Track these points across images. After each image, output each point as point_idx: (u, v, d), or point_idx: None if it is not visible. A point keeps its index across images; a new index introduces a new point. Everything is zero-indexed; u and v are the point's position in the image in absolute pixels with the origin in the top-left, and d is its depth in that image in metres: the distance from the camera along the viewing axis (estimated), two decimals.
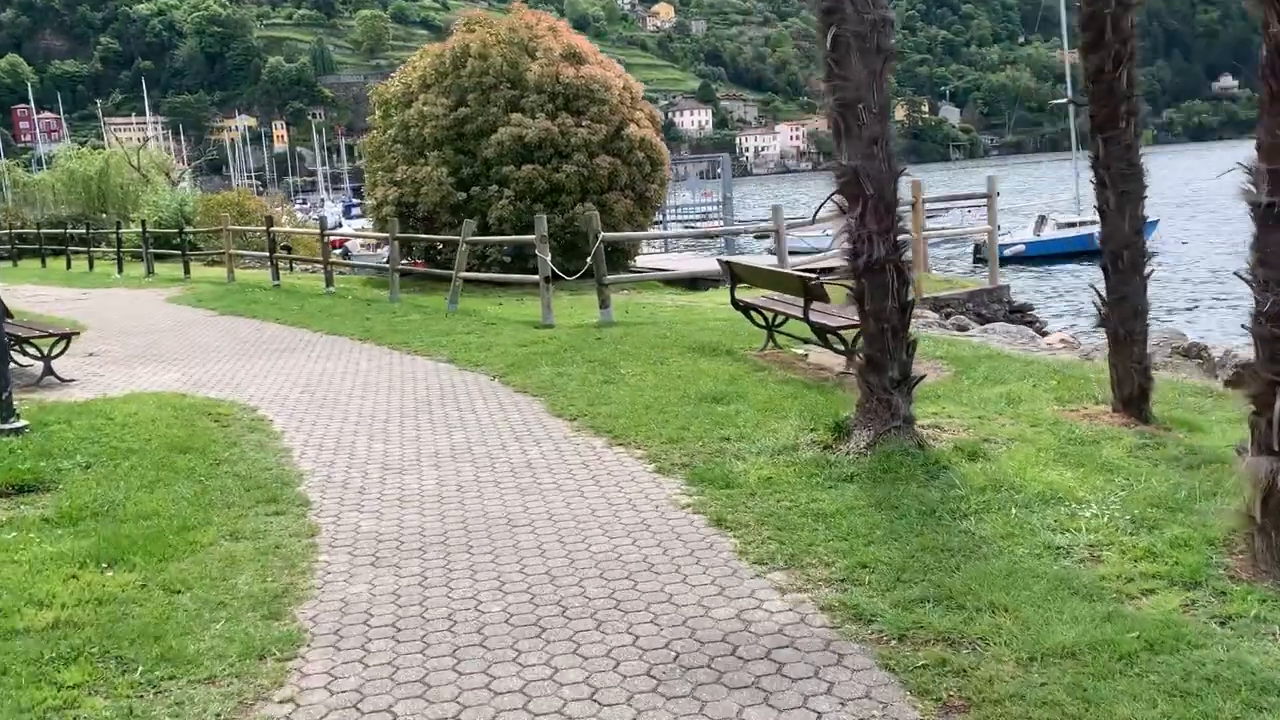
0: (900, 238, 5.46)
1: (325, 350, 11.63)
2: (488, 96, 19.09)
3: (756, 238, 38.82)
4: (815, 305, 7.93)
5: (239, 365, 10.86)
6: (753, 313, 9.64)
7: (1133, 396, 6.17)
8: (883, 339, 5.56)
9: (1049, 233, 34.20)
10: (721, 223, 32.67)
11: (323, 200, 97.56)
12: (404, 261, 18.00)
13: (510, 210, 18.60)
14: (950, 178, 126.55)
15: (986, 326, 12.25)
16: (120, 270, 26.81)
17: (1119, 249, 6.03)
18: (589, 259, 12.17)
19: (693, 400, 7.42)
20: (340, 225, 60.43)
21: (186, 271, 23.74)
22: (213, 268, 24.69)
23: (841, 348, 7.97)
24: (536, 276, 14.00)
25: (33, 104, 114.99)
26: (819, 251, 23.86)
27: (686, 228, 31.42)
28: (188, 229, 25.60)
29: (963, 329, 12.11)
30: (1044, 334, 12.27)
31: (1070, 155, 36.79)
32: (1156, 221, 37.06)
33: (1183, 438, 5.88)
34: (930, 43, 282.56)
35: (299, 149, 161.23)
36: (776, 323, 9.56)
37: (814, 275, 8.56)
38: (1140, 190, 6.00)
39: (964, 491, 4.90)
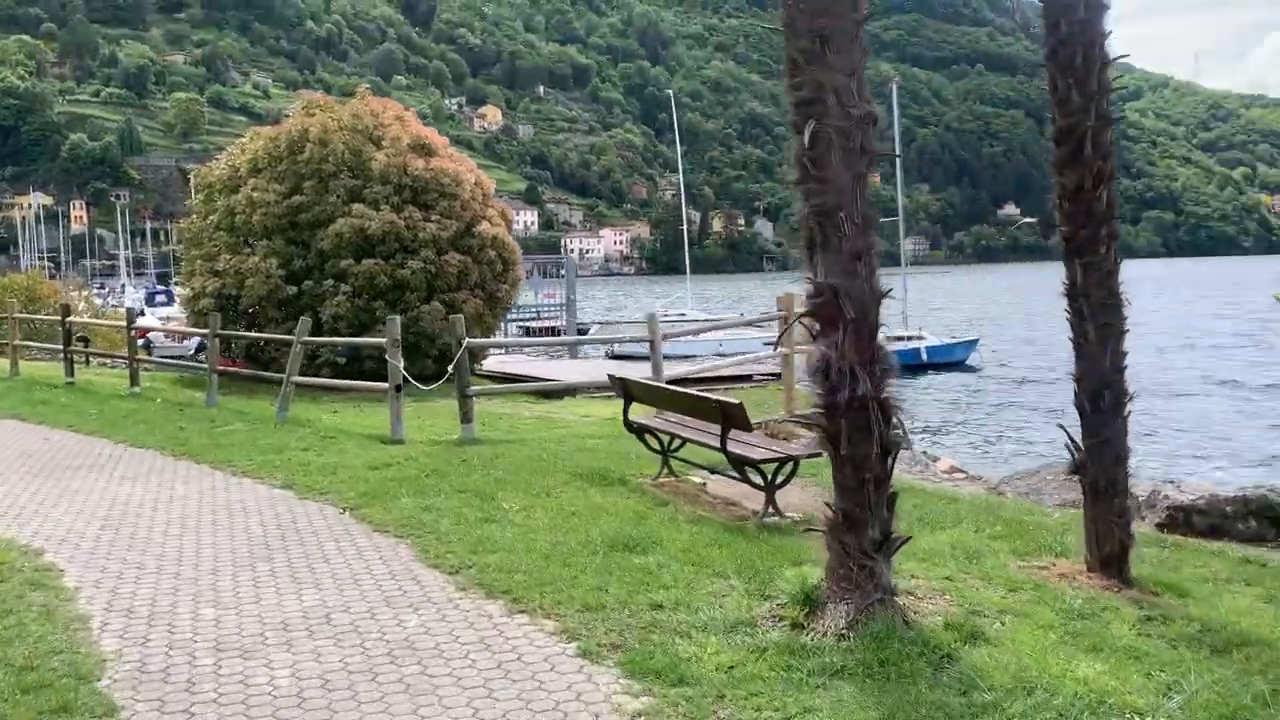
0: (880, 370, 4.56)
1: (131, 468, 9.78)
2: (326, 185, 17.69)
3: (606, 352, 38.21)
4: (734, 434, 6.97)
5: (19, 488, 8.91)
6: (648, 436, 8.60)
7: (1113, 555, 5.44)
8: (862, 492, 4.61)
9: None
10: (563, 324, 31.87)
11: (123, 285, 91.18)
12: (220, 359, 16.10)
13: (348, 307, 17.10)
14: (766, 288, 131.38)
15: None
16: None
17: (1099, 387, 5.36)
18: (451, 366, 10.87)
19: (600, 547, 6.25)
20: (143, 313, 56.33)
21: None
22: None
23: (761, 482, 7.01)
24: (378, 384, 12.58)
25: None
26: (692, 357, 23.30)
27: (532, 331, 30.53)
28: None
29: None
30: (934, 459, 11.76)
31: (899, 270, 38.18)
32: (977, 340, 38.82)
33: (1177, 605, 5.17)
34: (745, 160, 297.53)
35: (99, 231, 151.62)
36: (673, 447, 8.55)
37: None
38: (1121, 322, 5.38)
39: (989, 696, 3.92)
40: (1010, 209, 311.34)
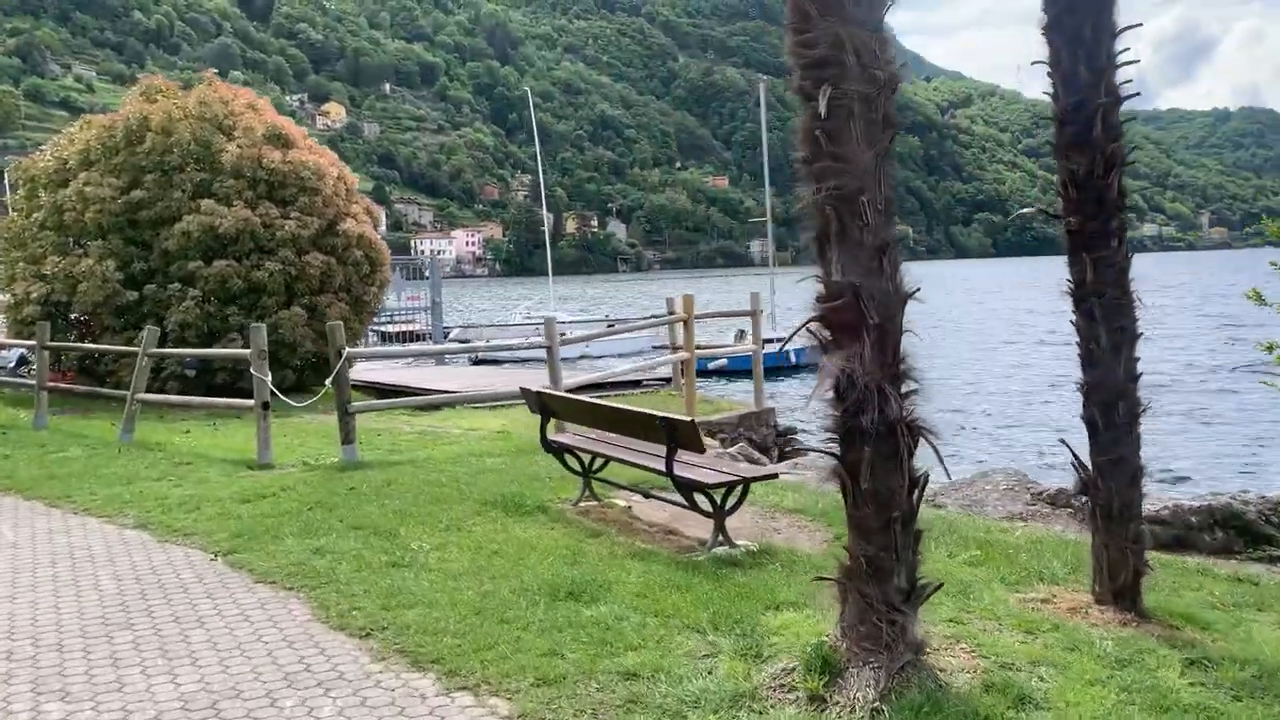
0: (907, 387, 3.82)
1: None
2: (170, 179, 15.95)
3: (470, 358, 36.76)
4: (682, 455, 6.14)
5: None
6: (568, 455, 7.68)
7: (1126, 586, 4.88)
8: (888, 533, 3.85)
9: (749, 347, 34.94)
10: (427, 329, 30.36)
11: None
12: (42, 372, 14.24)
13: (197, 314, 15.44)
14: (625, 289, 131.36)
15: (793, 461, 11.04)
16: None
17: (1112, 398, 4.79)
18: (329, 380, 9.64)
19: (539, 596, 5.31)
20: None
21: None
22: None
23: (709, 508, 6.21)
24: (240, 400, 11.24)
25: None
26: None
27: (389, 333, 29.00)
28: None
29: (755, 463, 10.80)
30: None
31: (765, 270, 38.20)
32: None
33: (1206, 641, 4.63)
34: (598, 162, 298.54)
35: None
36: (595, 468, 7.67)
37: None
38: (1135, 326, 4.82)
39: None
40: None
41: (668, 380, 17.19)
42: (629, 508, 7.61)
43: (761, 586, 5.39)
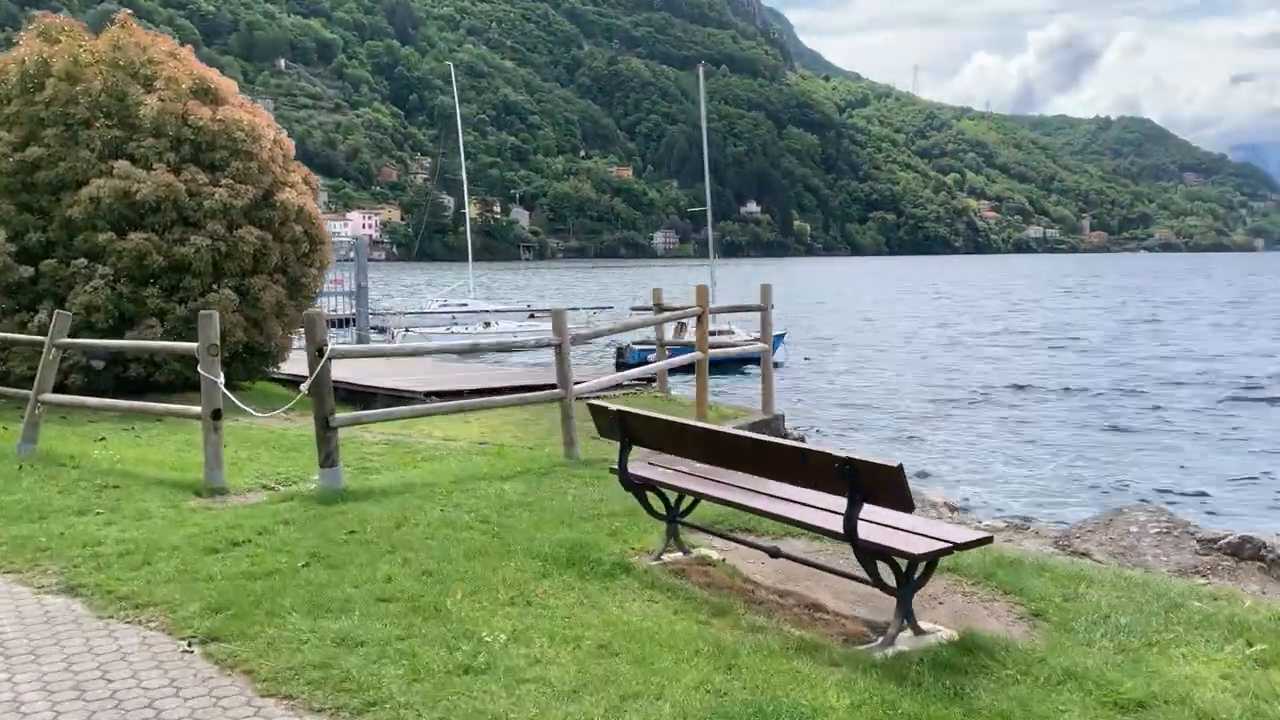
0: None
1: None
2: (76, 135, 13.50)
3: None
4: (872, 511, 4.46)
5: None
6: (649, 494, 5.93)
7: None
8: None
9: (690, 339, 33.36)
10: (354, 315, 27.88)
11: None
12: None
13: (107, 295, 13.09)
14: (535, 278, 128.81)
15: None
16: None
17: None
18: (304, 386, 7.61)
19: None
20: None
21: None
22: None
23: (893, 582, 4.55)
24: (184, 406, 9.16)
25: None
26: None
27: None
28: None
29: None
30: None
31: (707, 262, 36.84)
32: (784, 334, 38.10)
33: None
34: (501, 146, 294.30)
35: None
36: (683, 507, 5.94)
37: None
38: None
39: None
40: (752, 206, 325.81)
41: (649, 381, 15.49)
42: (722, 559, 5.92)
43: (1014, 711, 3.76)
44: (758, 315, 13.47)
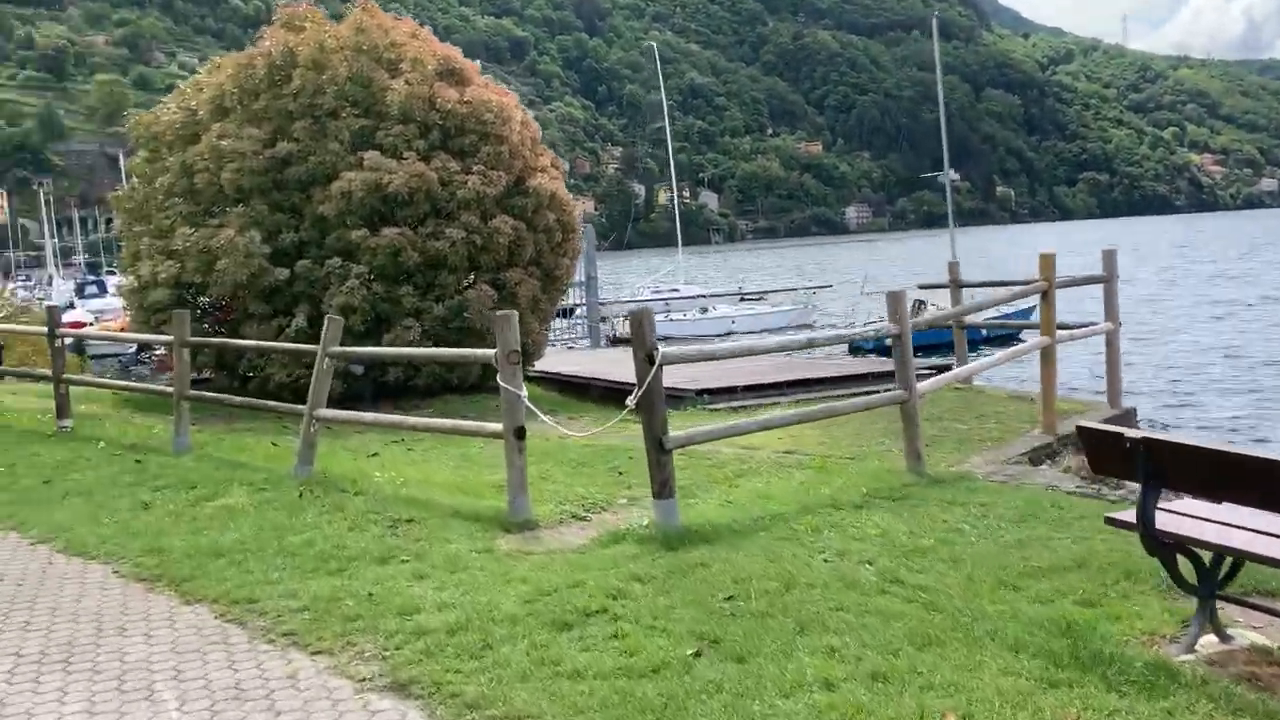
0: None
1: (65, 631, 4.99)
2: (324, 127, 12.79)
3: (608, 336, 33.41)
4: None
5: None
6: (1180, 553, 4.05)
7: None
8: None
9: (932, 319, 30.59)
10: (580, 304, 26.98)
11: (51, 277, 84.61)
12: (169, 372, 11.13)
13: (363, 296, 12.28)
14: (732, 260, 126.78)
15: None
16: None
17: None
18: (631, 400, 6.14)
19: None
20: (71, 305, 50.69)
21: None
22: None
23: None
24: (485, 424, 7.98)
25: None
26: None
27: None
28: None
29: None
30: None
31: (945, 230, 34.03)
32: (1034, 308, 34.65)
33: None
34: (688, 131, 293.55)
35: (22, 221, 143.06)
36: (1221, 574, 4.05)
37: None
38: None
39: None
40: (952, 174, 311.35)
41: (939, 370, 13.43)
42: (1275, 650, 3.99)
43: None
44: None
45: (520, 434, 6.62)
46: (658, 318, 37.32)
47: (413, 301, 12.46)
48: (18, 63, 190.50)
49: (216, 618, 4.99)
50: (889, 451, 9.04)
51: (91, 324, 38.11)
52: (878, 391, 10.06)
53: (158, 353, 29.56)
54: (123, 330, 35.28)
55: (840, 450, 9.27)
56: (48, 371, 12.00)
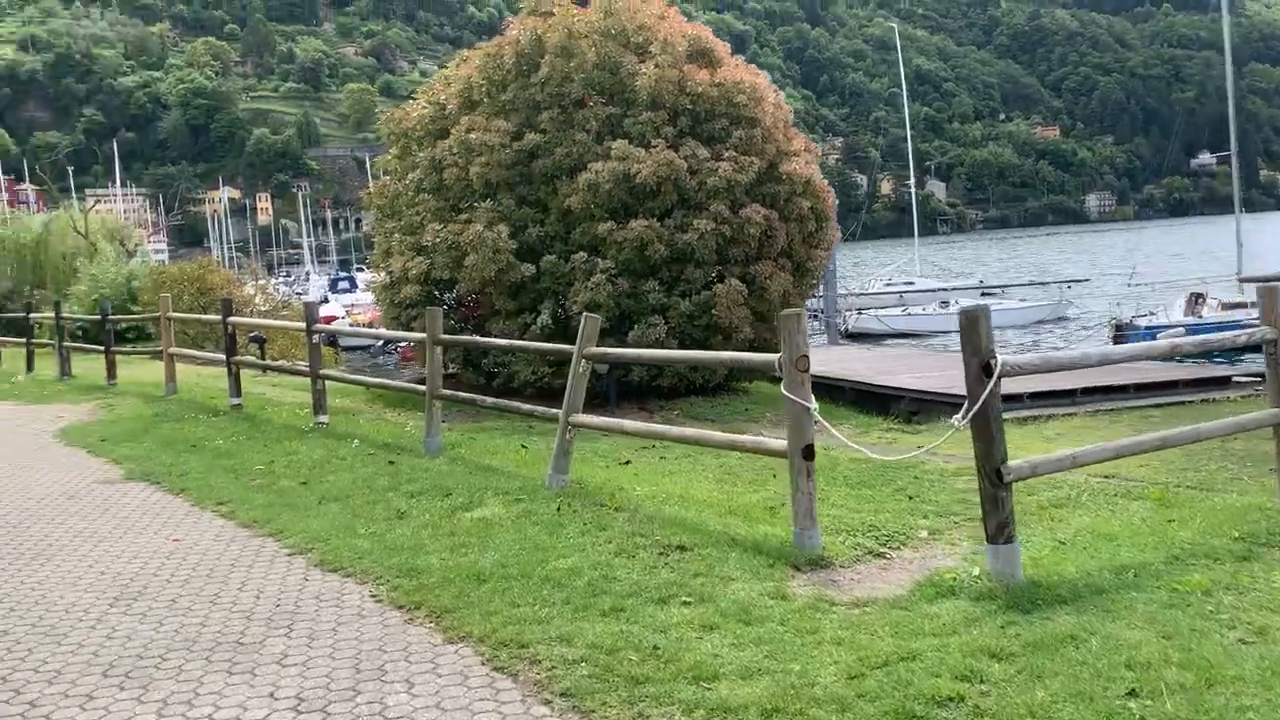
0: None
1: (324, 661, 4.48)
2: (571, 117, 12.31)
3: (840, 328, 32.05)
4: None
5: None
6: None
7: None
8: None
9: (1212, 315, 27.35)
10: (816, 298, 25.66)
11: (308, 273, 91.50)
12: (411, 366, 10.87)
13: (608, 292, 11.70)
14: (969, 250, 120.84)
15: None
16: (30, 369, 19.73)
17: None
18: (961, 418, 5.09)
19: None
20: (326, 300, 54.18)
21: (111, 376, 16.63)
22: (157, 362, 17.51)
23: None
24: (770, 441, 7.11)
25: (13, 175, 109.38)
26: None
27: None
28: (116, 315, 18.63)
29: None
30: None
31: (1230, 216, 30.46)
32: None
33: None
34: (914, 119, 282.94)
35: (284, 221, 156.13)
36: None
37: None
38: None
39: None
40: (1205, 157, 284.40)
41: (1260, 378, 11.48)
42: None
43: None
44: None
45: (809, 454, 5.68)
46: (892, 312, 35.46)
47: (658, 297, 11.79)
48: (280, 76, 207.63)
49: (483, 663, 4.33)
50: (1237, 479, 7.50)
51: (344, 318, 40.37)
52: (1205, 400, 8.45)
53: (401, 344, 30.74)
54: (373, 323, 37.05)
55: (1171, 475, 7.80)
56: (305, 366, 12.15)
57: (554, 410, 7.87)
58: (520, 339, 12.04)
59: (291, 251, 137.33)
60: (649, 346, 11.20)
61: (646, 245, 11.58)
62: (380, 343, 36.52)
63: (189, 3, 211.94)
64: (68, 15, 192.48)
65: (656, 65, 11.98)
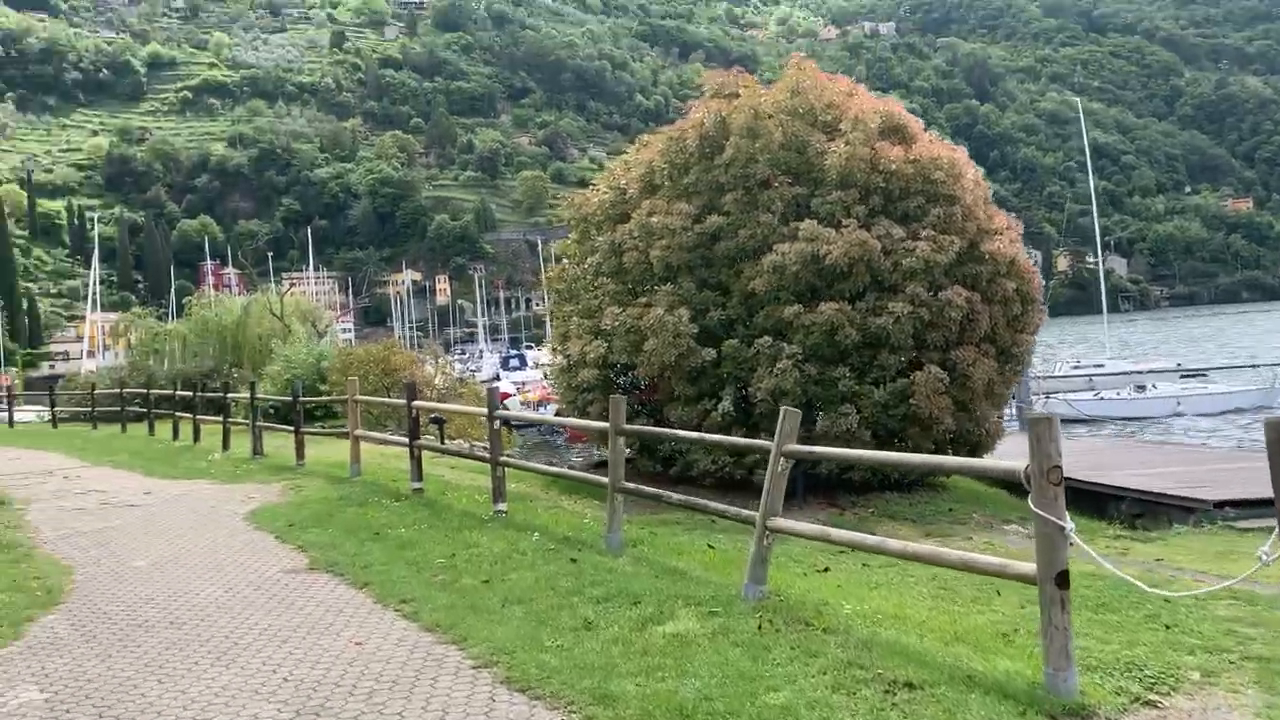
0: None
1: None
2: (755, 198, 11.92)
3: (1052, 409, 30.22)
4: None
5: None
6: None
7: None
8: None
9: None
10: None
11: (481, 351, 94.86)
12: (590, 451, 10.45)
13: (794, 378, 11.09)
14: (1159, 331, 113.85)
15: None
16: (226, 447, 20.58)
17: None
18: None
19: None
20: (498, 377, 55.61)
21: (300, 456, 17.07)
22: (342, 440, 17.90)
23: None
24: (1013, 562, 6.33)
25: (218, 260, 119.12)
26: None
27: None
28: (306, 397, 19.21)
29: None
30: None
31: None
32: None
33: None
34: (1090, 193, 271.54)
35: (460, 302, 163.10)
36: None
37: None
38: None
39: None
40: None
41: None
42: None
43: None
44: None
45: (1063, 581, 4.87)
46: (1083, 396, 33.11)
47: (849, 384, 11.10)
48: (460, 165, 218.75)
49: None
50: None
51: (515, 394, 41.13)
52: None
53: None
54: (544, 400, 37.39)
55: None
56: (484, 450, 11.99)
57: (748, 512, 7.28)
58: (700, 426, 11.57)
59: (466, 330, 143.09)
60: (839, 437, 10.50)
61: (837, 329, 10.95)
62: (550, 412, 36.94)
63: (379, 100, 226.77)
64: (271, 114, 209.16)
65: (848, 143, 11.47)
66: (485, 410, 11.62)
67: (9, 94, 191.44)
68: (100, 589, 8.20)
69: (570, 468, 17.07)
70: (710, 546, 8.80)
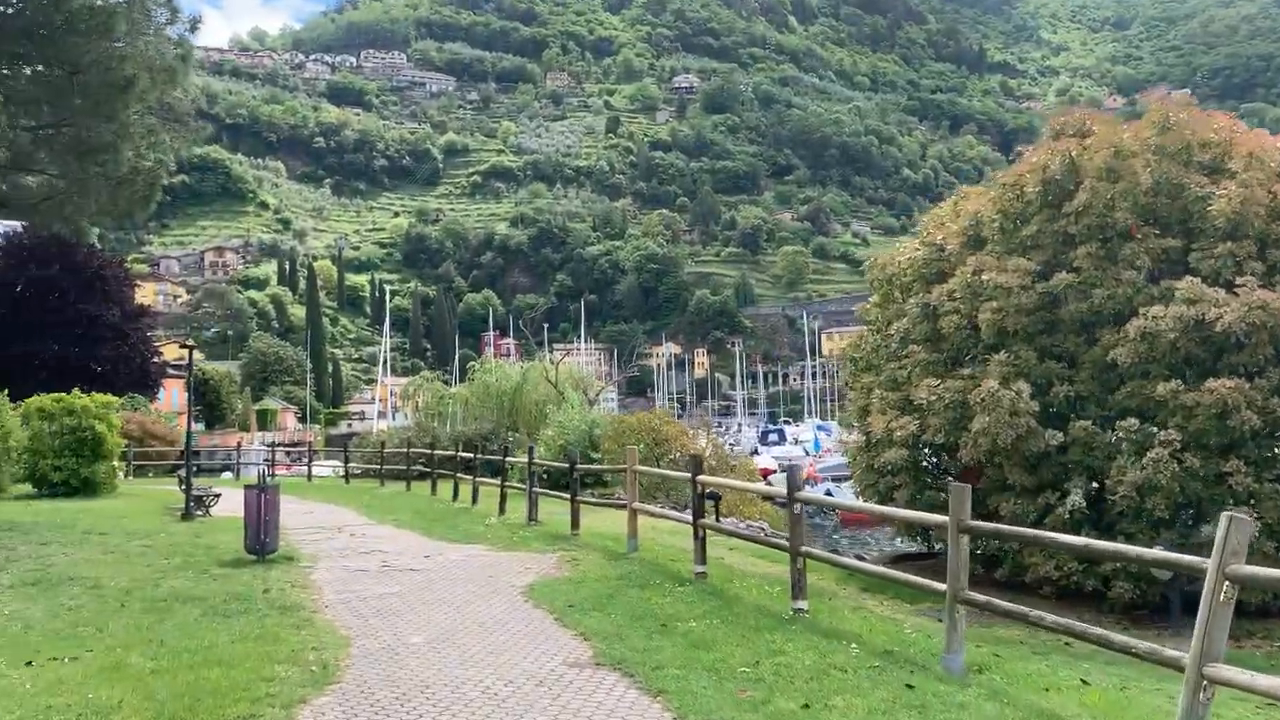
0: None
1: None
2: (1112, 252, 10.01)
3: None
4: None
5: None
6: None
7: None
8: None
9: None
10: None
11: (740, 425, 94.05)
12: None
13: (1170, 472, 8.99)
14: None
15: None
16: (502, 511, 20.38)
17: None
18: None
19: None
20: (756, 452, 54.31)
21: (575, 525, 16.39)
22: (619, 513, 17.09)
23: None
24: None
25: (499, 331, 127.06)
26: None
27: None
28: (583, 463, 18.62)
29: None
30: None
31: None
32: None
33: None
34: None
35: (717, 375, 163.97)
36: None
37: None
38: None
39: None
40: None
41: None
42: None
43: None
44: None
45: None
46: None
47: (1245, 481, 8.88)
48: (722, 241, 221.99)
49: None
50: None
51: (777, 470, 39.70)
52: None
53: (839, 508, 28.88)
54: (811, 479, 35.45)
55: None
56: (763, 531, 10.61)
57: (1167, 650, 5.46)
58: (1040, 522, 9.66)
59: (723, 403, 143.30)
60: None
61: (1229, 413, 8.80)
62: (840, 482, 35.02)
63: (648, 180, 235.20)
64: (550, 195, 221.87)
65: (1241, 184, 9.39)
66: (784, 491, 10.27)
67: (328, 180, 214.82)
68: (375, 669, 7.47)
69: (859, 558, 15.36)
70: (1084, 682, 6.93)
